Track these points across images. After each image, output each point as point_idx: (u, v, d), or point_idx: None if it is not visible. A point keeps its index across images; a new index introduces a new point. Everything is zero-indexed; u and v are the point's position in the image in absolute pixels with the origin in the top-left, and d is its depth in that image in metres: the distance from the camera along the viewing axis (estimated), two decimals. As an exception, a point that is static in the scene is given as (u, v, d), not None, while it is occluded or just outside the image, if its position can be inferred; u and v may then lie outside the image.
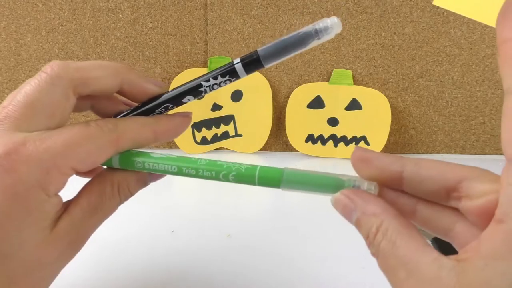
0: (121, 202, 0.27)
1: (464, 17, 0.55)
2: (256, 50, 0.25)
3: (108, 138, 0.25)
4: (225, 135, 0.59)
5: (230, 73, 0.26)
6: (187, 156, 0.26)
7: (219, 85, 0.27)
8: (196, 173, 0.26)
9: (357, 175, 0.23)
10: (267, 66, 0.26)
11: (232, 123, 0.59)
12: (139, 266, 0.39)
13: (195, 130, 0.59)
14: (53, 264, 0.25)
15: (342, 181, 0.23)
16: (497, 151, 0.60)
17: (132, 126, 0.26)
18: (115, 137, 0.25)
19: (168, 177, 0.28)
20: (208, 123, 0.59)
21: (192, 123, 0.58)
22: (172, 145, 0.59)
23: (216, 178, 0.26)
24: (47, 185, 0.23)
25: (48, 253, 0.24)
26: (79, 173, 0.27)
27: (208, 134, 0.59)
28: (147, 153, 0.27)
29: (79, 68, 0.26)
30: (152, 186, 0.29)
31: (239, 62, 0.26)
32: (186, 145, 0.58)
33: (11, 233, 0.23)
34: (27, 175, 0.22)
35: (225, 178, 0.25)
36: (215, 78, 0.27)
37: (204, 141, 0.59)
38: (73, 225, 0.25)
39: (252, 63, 0.26)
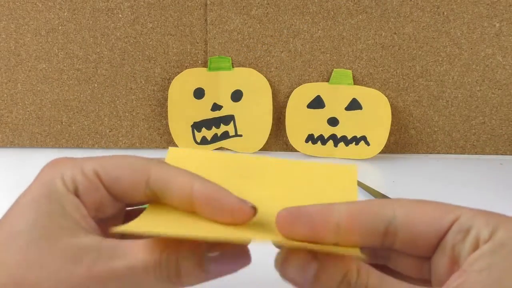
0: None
1: (464, 17, 0.55)
2: None
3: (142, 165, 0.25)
4: (225, 135, 0.59)
5: None
6: None
7: None
8: None
9: None
10: None
11: (232, 123, 0.59)
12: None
13: (195, 130, 0.59)
14: None
15: None
16: (497, 151, 0.59)
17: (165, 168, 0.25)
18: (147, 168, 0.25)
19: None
20: (208, 123, 0.59)
21: (191, 121, 0.58)
22: (172, 146, 0.59)
23: None
24: None
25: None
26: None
27: (208, 134, 0.59)
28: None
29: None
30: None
31: None
32: (186, 145, 0.58)
33: None
34: None
35: None
36: None
37: (204, 141, 0.59)
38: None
39: None
